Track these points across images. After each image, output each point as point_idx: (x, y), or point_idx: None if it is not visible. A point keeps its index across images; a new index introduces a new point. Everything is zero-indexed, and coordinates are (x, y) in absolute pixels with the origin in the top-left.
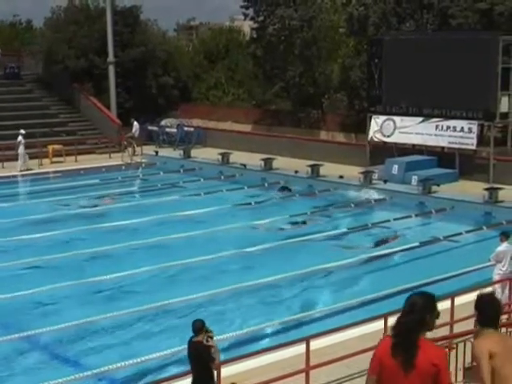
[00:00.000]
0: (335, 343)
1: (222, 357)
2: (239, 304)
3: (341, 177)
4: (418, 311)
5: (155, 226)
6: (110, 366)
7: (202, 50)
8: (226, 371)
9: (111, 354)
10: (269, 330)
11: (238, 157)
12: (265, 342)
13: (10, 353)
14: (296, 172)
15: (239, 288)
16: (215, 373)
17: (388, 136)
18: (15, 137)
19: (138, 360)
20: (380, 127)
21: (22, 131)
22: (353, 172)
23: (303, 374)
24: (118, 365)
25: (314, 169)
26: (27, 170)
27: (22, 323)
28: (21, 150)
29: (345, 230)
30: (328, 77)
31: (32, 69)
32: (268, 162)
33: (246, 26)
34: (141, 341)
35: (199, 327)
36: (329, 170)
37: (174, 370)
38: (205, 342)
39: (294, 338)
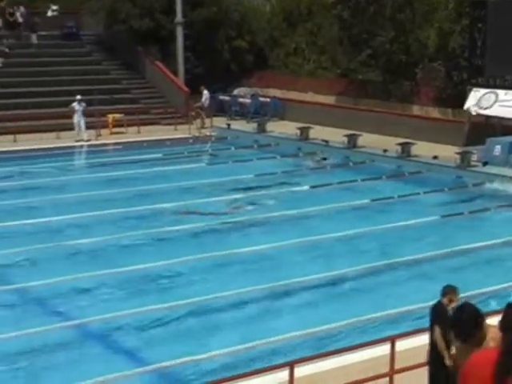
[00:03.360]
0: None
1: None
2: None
3: (435, 157)
4: None
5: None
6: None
7: (281, 11)
8: (300, 371)
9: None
10: None
11: (318, 132)
12: None
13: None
14: (385, 151)
15: None
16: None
17: (485, 108)
18: (70, 103)
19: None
20: (478, 100)
21: (78, 97)
22: (449, 152)
23: (386, 379)
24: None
25: (405, 148)
26: (82, 140)
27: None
28: (76, 118)
29: (437, 217)
30: (423, 44)
31: (92, 29)
32: (352, 139)
33: None
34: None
35: (446, 291)
36: (421, 149)
37: None
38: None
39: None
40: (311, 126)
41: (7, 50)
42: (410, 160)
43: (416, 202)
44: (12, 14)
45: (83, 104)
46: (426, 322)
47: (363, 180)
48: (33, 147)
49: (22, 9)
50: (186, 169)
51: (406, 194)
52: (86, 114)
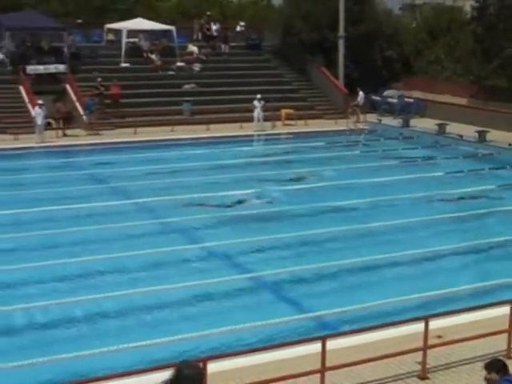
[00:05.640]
0: None
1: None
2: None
3: None
4: None
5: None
6: None
7: (425, 27)
8: (433, 324)
9: None
10: None
11: (454, 128)
12: None
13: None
14: (510, 145)
15: None
16: None
17: None
18: (251, 100)
19: None
20: None
21: (258, 96)
22: None
23: (505, 335)
24: None
25: None
26: (258, 130)
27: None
28: (255, 113)
29: None
30: None
31: (271, 41)
32: (482, 135)
33: (468, 6)
34: None
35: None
36: None
37: None
38: None
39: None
40: (447, 122)
41: (204, 58)
42: None
43: None
44: (209, 29)
45: (262, 102)
46: None
47: (490, 169)
48: (222, 135)
49: (216, 25)
50: (344, 155)
51: None
52: (264, 109)
